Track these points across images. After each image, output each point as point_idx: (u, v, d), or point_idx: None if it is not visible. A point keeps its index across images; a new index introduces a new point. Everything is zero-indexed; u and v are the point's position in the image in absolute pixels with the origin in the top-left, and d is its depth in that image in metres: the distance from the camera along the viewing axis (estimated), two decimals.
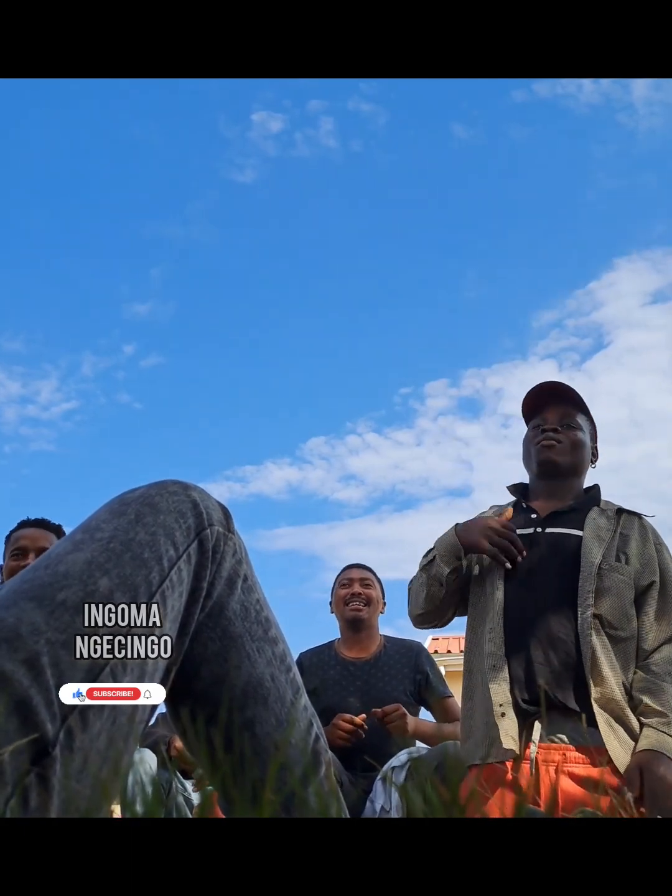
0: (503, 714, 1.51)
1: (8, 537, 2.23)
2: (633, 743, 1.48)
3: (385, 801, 1.91)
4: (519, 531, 1.71)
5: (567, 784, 1.43)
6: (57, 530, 2.19)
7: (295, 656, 2.45)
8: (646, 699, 1.51)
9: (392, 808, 1.87)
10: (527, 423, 1.86)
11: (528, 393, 1.83)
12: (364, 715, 2.13)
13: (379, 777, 1.99)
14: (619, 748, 1.45)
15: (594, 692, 1.48)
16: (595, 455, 1.85)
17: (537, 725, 1.49)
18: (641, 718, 1.49)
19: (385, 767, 1.93)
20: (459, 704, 2.21)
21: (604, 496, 1.79)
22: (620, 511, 1.72)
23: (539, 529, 1.69)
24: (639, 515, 1.73)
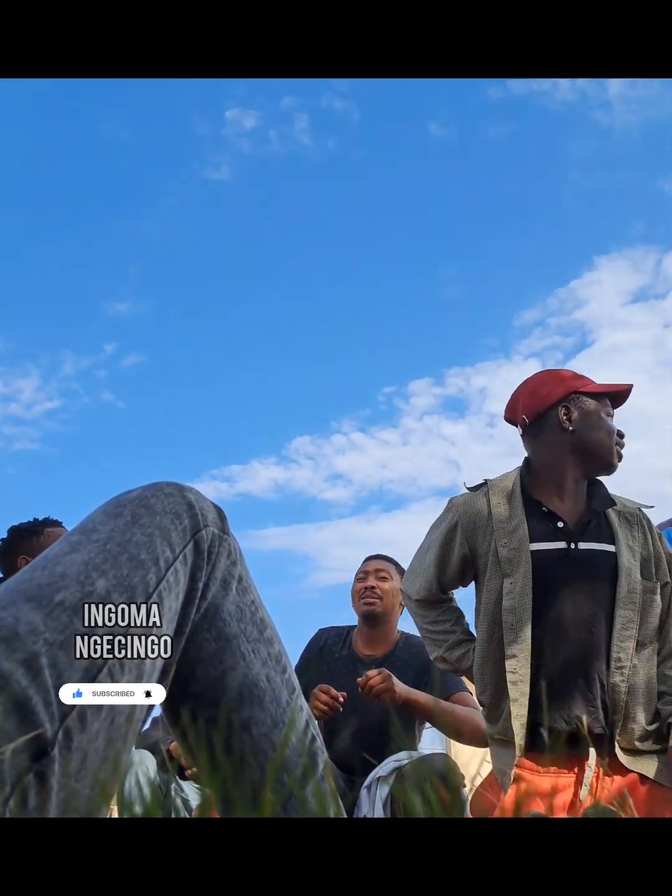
0: (517, 743, 1.48)
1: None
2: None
3: (368, 810, 1.84)
4: (544, 545, 1.58)
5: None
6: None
7: (316, 630, 2.43)
8: (666, 707, 1.51)
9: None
10: (593, 404, 1.65)
11: (620, 388, 1.68)
12: (345, 693, 1.98)
13: (364, 786, 1.93)
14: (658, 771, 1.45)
15: (633, 723, 1.48)
16: None
17: (592, 752, 1.47)
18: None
19: (370, 777, 1.89)
20: (470, 698, 2.08)
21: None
22: (637, 511, 1.65)
23: (573, 545, 1.57)
24: (640, 507, 1.68)
